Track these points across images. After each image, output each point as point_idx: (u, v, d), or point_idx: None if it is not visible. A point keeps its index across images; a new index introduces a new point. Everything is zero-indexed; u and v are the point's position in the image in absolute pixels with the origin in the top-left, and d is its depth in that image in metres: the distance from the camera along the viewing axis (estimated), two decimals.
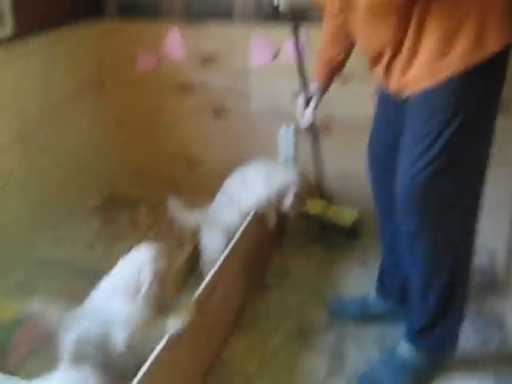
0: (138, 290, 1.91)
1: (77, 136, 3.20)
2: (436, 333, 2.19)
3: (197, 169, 3.38)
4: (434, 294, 2.12)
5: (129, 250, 2.13)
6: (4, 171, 2.74)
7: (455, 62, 1.83)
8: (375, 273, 2.57)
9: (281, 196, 2.64)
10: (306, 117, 2.51)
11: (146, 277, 1.91)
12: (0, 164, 2.71)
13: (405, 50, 1.90)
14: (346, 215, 3.10)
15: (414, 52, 1.89)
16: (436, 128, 1.89)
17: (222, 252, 2.43)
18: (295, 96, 2.93)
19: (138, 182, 3.48)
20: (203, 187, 3.09)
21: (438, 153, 1.90)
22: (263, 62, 3.07)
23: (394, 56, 1.95)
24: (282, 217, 2.85)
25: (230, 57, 3.12)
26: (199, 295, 2.11)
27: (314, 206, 3.03)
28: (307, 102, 2.50)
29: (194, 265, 2.78)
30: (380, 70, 2.04)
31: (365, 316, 2.55)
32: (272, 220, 2.74)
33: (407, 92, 1.98)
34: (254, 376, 2.30)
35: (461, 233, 2.06)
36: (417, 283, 2.16)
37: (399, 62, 1.94)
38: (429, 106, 1.91)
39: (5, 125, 2.72)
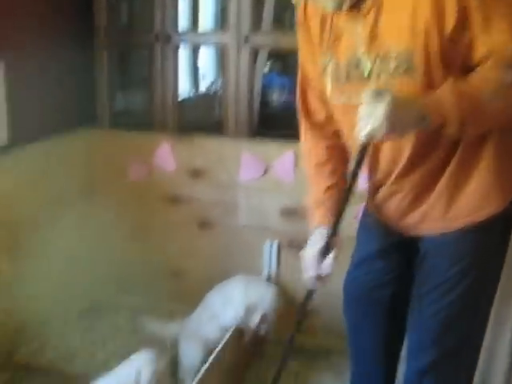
0: None
1: (64, 242, 3.28)
2: None
3: (180, 279, 3.44)
4: None
5: (112, 355, 2.24)
6: None
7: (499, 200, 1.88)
8: None
9: (252, 312, 2.70)
10: (325, 267, 1.96)
11: (146, 377, 1.99)
12: None
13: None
14: None
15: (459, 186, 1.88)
16: (459, 273, 1.93)
17: (200, 365, 2.49)
18: (282, 212, 3.06)
19: (121, 290, 3.53)
20: (186, 297, 3.18)
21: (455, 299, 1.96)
22: (252, 176, 3.19)
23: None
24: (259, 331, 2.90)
25: (220, 170, 3.24)
26: None
27: None
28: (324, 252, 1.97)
29: (174, 373, 2.80)
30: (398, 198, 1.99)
31: None
32: (248, 335, 2.79)
33: (430, 230, 1.98)
34: None
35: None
36: None
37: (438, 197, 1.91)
38: (458, 248, 1.94)
39: None
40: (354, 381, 2.51)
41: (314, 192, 2.07)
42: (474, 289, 1.96)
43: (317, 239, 1.98)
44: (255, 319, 2.68)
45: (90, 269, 3.46)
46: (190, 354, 2.75)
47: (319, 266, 1.95)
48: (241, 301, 2.70)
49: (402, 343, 2.38)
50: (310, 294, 2.07)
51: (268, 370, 3.02)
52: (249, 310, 2.67)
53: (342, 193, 1.91)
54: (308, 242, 2.03)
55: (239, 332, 2.74)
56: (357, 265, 2.23)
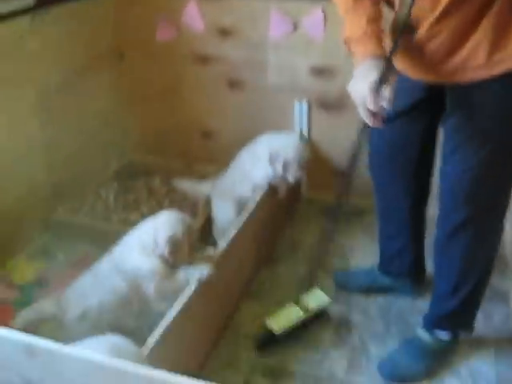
0: (153, 249, 2.15)
1: (96, 104, 3.32)
2: (462, 317, 2.29)
3: (211, 140, 3.48)
4: (470, 283, 2.17)
5: (144, 216, 2.34)
6: (26, 139, 2.87)
7: None
8: None
9: (286, 168, 2.73)
10: (383, 100, 1.77)
11: (161, 238, 2.12)
12: (22, 132, 2.84)
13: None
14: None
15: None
16: (494, 124, 1.90)
17: (233, 223, 2.57)
18: (312, 71, 3.02)
19: (155, 152, 3.60)
20: (217, 158, 3.24)
21: (497, 147, 1.93)
22: (282, 34, 3.13)
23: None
24: (293, 189, 2.96)
25: (249, 28, 3.19)
26: (212, 261, 2.24)
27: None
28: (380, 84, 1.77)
29: (207, 234, 2.90)
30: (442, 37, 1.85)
31: (370, 288, 2.66)
32: (282, 191, 2.85)
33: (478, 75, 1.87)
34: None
35: (503, 223, 2.13)
36: (452, 275, 2.19)
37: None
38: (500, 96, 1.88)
39: (26, 93, 2.83)
40: (381, 241, 2.60)
41: (357, 24, 1.88)
42: (507, 143, 1.94)
43: (369, 71, 1.80)
44: (279, 167, 2.71)
45: (122, 130, 3.51)
46: (224, 212, 2.82)
47: (376, 99, 1.77)
48: (265, 151, 2.73)
49: (426, 205, 2.44)
50: (362, 134, 1.98)
51: (301, 232, 3.14)
52: (272, 158, 2.70)
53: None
54: (356, 74, 1.85)
55: (272, 190, 2.79)
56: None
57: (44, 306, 2.23)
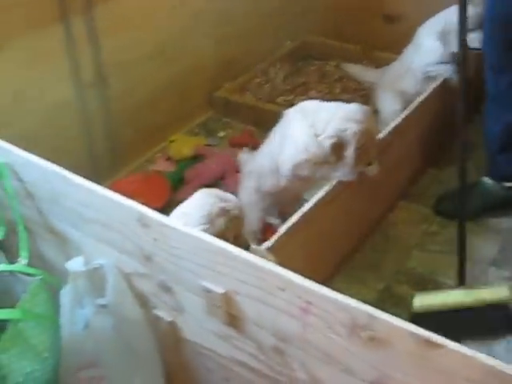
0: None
1: None
2: None
3: (393, 24, 3.27)
4: None
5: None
6: (192, 12, 2.87)
7: None
8: None
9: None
10: None
11: (351, 134, 1.99)
12: (189, 4, 2.84)
13: None
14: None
15: None
16: None
17: (397, 115, 2.43)
18: None
19: (332, 34, 3.45)
20: (398, 45, 3.03)
21: None
22: None
23: None
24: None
25: None
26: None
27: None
28: None
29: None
30: None
31: None
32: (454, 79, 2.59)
33: None
34: (412, 248, 2.34)
35: None
36: None
37: None
38: None
39: None
40: None
41: None
42: None
43: None
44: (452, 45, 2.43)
45: (301, 9, 3.40)
46: (387, 105, 2.71)
47: None
48: (436, 46, 2.51)
49: None
50: None
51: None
52: (445, 32, 2.48)
53: None
54: None
55: (444, 85, 2.59)
56: None
57: None
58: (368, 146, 2.01)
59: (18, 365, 1.55)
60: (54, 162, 2.36)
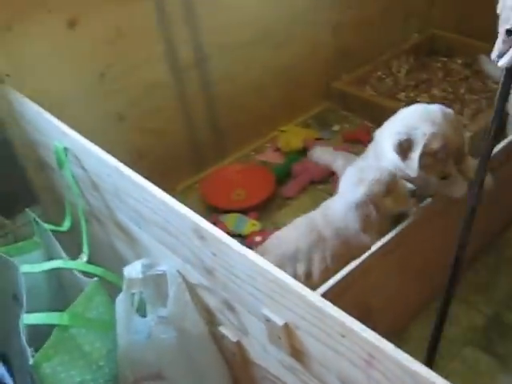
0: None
1: None
2: None
3: None
4: None
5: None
6: None
7: None
8: None
9: None
10: None
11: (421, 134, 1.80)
12: None
13: None
14: None
15: None
16: None
17: None
18: None
19: (462, 29, 3.24)
20: None
21: None
22: None
23: None
24: None
25: None
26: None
27: None
28: None
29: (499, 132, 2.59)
30: None
31: None
32: None
33: None
34: None
35: None
36: None
37: None
38: None
39: None
40: None
41: None
42: None
43: None
44: None
45: None
46: None
47: None
48: None
49: None
50: None
51: None
52: None
53: None
54: None
55: None
56: None
57: None
58: (444, 154, 1.80)
59: (65, 374, 1.48)
60: (148, 143, 2.39)
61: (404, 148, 1.80)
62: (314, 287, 1.47)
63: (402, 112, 1.94)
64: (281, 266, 1.41)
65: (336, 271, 1.65)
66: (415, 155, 1.78)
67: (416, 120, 1.82)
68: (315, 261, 1.83)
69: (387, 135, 1.89)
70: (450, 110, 1.87)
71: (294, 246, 1.84)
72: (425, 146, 1.77)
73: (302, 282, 1.21)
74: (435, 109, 1.85)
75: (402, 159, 1.81)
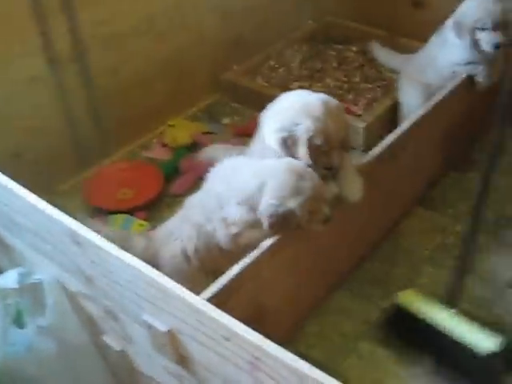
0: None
1: None
2: None
3: (422, 9, 3.06)
4: None
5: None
6: None
7: None
8: None
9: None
10: None
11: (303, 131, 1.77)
12: None
13: None
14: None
15: None
16: None
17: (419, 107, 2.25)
18: None
19: (356, 17, 3.24)
20: (426, 32, 2.83)
21: None
22: None
23: None
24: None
25: None
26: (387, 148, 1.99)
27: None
28: None
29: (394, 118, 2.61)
30: None
31: None
32: (482, 81, 2.38)
33: None
34: (424, 262, 2.17)
35: None
36: None
37: None
38: None
39: None
40: None
41: None
42: None
43: None
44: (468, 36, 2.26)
45: None
46: (410, 97, 2.53)
47: None
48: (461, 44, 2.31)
49: None
50: None
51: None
52: (457, 26, 2.28)
53: None
54: None
55: (468, 82, 2.37)
56: None
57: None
58: (327, 147, 1.79)
59: None
60: (25, 142, 2.27)
61: (288, 145, 1.78)
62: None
63: (284, 100, 1.90)
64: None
65: None
66: (302, 150, 1.77)
67: (297, 114, 1.80)
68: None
69: (270, 126, 1.85)
70: (331, 100, 1.85)
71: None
72: (308, 141, 1.76)
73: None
74: (316, 101, 1.82)
75: (288, 155, 1.79)
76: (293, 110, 1.80)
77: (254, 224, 1.64)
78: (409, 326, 1.87)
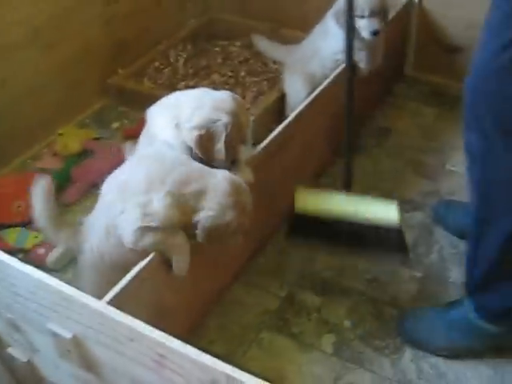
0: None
1: None
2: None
3: (306, 2, 3.10)
4: None
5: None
6: None
7: None
8: None
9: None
10: None
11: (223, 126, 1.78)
12: None
13: None
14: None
15: None
16: None
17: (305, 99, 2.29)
18: None
19: (239, 11, 3.28)
20: (308, 21, 2.89)
21: None
22: None
23: None
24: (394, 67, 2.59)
25: None
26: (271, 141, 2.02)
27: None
28: None
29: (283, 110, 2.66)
30: None
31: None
32: (364, 68, 2.45)
33: None
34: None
35: None
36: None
37: None
38: None
39: None
40: None
41: None
42: None
43: None
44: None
45: None
46: (295, 88, 2.59)
47: None
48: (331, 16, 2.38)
49: None
50: None
51: (394, 119, 2.81)
52: (337, 15, 2.32)
53: None
54: None
55: (350, 70, 2.45)
56: None
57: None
58: (236, 140, 1.82)
59: None
60: None
61: (204, 142, 1.78)
62: None
63: (185, 99, 1.88)
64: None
65: None
66: (219, 146, 1.78)
67: (212, 111, 1.79)
68: None
69: (163, 121, 1.86)
70: (236, 95, 1.88)
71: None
72: (226, 136, 1.77)
73: None
74: (227, 97, 1.84)
75: (203, 152, 1.79)
76: (207, 108, 1.79)
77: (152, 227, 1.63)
78: (313, 226, 1.97)
